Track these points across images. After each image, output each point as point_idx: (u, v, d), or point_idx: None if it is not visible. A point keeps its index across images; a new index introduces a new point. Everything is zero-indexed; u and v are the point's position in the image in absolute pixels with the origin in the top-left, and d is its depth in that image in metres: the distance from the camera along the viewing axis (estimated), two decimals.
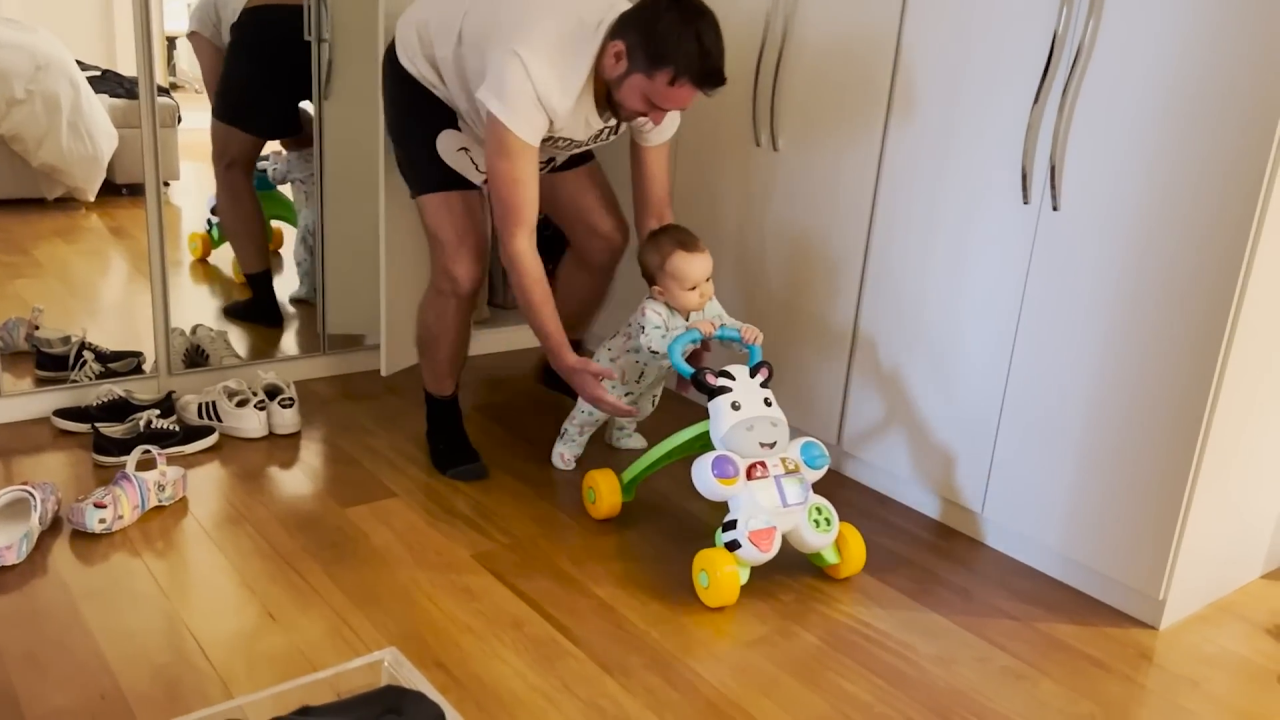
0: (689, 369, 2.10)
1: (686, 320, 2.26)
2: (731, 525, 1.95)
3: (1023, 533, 2.19)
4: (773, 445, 2.01)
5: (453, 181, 2.26)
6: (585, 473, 2.32)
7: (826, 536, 2.02)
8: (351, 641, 1.78)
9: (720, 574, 1.93)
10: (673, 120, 2.29)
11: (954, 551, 2.27)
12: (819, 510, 2.02)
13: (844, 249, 2.44)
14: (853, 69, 2.34)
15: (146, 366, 2.74)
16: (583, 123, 2.15)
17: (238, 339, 2.96)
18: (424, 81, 2.22)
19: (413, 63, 2.21)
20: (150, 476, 2.16)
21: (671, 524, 2.29)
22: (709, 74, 1.98)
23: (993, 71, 2.09)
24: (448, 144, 2.25)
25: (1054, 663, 1.88)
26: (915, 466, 2.38)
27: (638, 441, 2.66)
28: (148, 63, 2.52)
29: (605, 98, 2.11)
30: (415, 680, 1.40)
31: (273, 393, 2.65)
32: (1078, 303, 2.01)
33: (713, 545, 1.99)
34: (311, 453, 2.52)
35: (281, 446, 2.55)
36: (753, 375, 2.07)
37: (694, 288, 2.21)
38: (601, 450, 2.63)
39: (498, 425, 2.78)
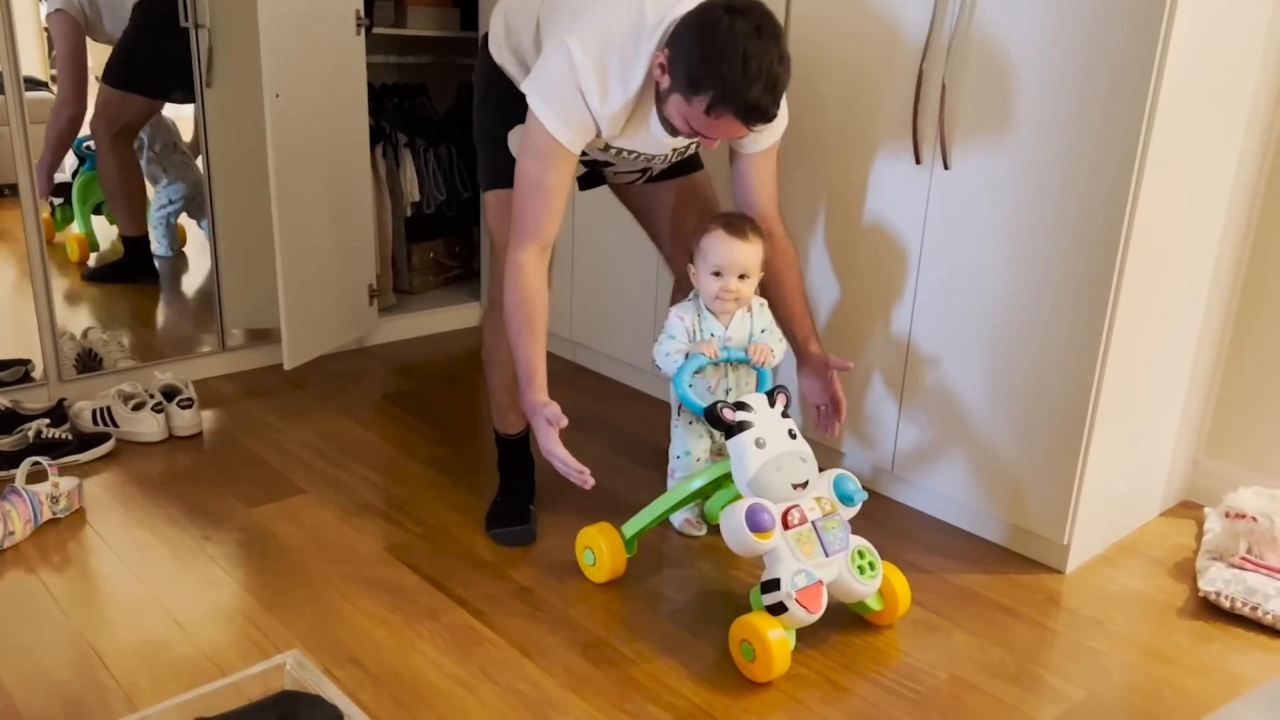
0: (698, 404, 1.87)
1: (726, 330, 2.00)
2: (773, 585, 1.68)
3: (931, 487, 2.23)
4: (805, 485, 1.77)
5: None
6: (579, 529, 2.03)
7: (872, 584, 1.78)
8: (262, 645, 1.74)
9: (768, 643, 1.66)
10: (776, 122, 1.89)
11: (865, 509, 2.30)
12: (861, 554, 1.78)
13: None
14: None
15: (36, 374, 2.63)
16: (646, 135, 1.85)
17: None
18: (506, 72, 1.98)
19: (499, 53, 1.98)
20: (42, 489, 2.08)
21: (586, 500, 2.28)
22: (751, 109, 1.66)
23: (884, 42, 2.10)
24: (519, 139, 1.95)
25: (965, 613, 1.93)
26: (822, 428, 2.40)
27: None
28: (11, 53, 2.40)
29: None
30: (317, 682, 1.37)
31: (170, 394, 2.56)
32: (972, 258, 2.04)
33: (748, 609, 1.78)
34: (214, 453, 2.45)
35: (182, 449, 2.47)
36: (771, 404, 1.82)
37: (719, 274, 1.93)
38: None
39: (408, 413, 2.73)
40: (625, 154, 1.93)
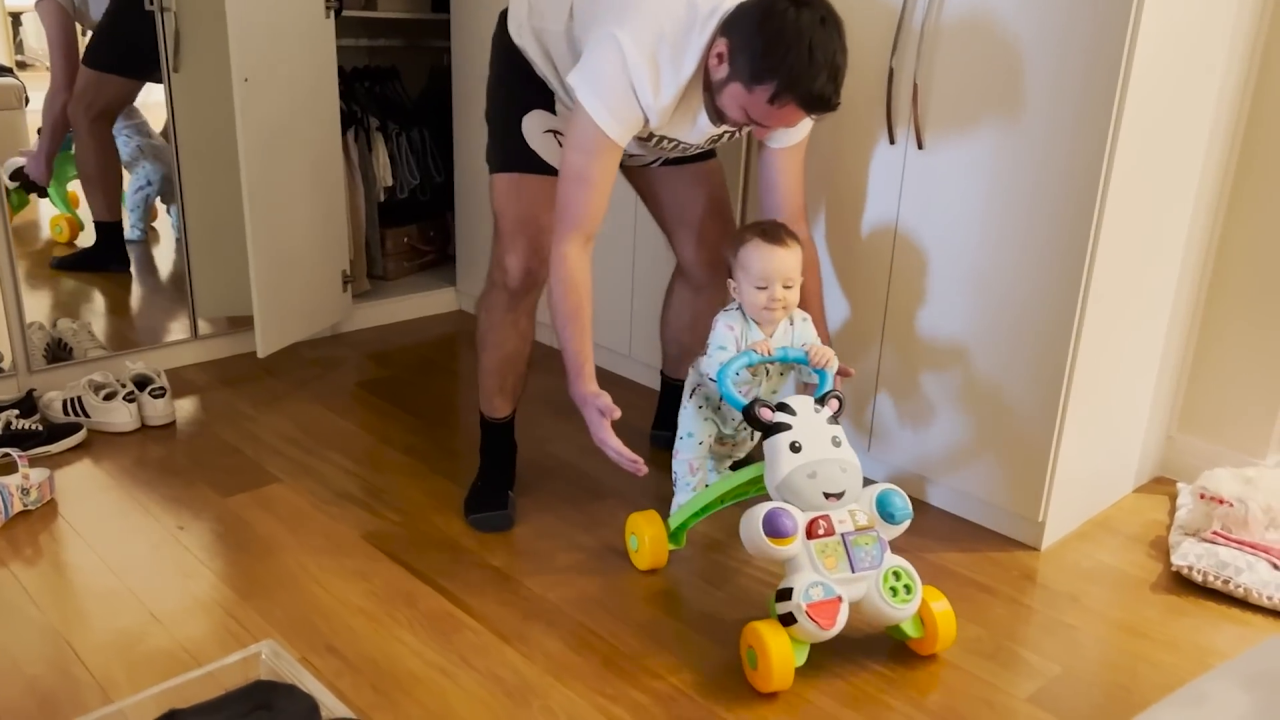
0: (740, 400, 1.78)
1: (770, 337, 1.92)
2: (786, 594, 1.60)
3: (908, 468, 2.24)
4: (840, 495, 1.67)
5: (530, 164, 1.97)
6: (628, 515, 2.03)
7: (905, 609, 1.65)
8: (239, 635, 1.73)
9: (770, 652, 1.59)
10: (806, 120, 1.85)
11: None
12: (896, 576, 1.66)
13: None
14: None
15: (4, 365, 2.60)
16: (691, 124, 1.85)
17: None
18: (526, 55, 1.95)
19: (519, 34, 1.95)
20: (12, 481, 2.05)
21: (565, 486, 2.28)
22: (816, 98, 1.67)
23: (858, 27, 2.10)
24: (535, 124, 1.97)
25: (942, 591, 1.92)
26: None
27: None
28: None
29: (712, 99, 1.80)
30: (293, 671, 1.36)
31: (143, 383, 2.53)
32: (947, 238, 2.05)
33: (765, 616, 1.68)
34: (188, 443, 2.43)
35: (155, 438, 2.44)
36: (821, 406, 1.76)
37: (764, 287, 1.86)
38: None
39: (383, 400, 2.72)
40: (666, 143, 1.91)
